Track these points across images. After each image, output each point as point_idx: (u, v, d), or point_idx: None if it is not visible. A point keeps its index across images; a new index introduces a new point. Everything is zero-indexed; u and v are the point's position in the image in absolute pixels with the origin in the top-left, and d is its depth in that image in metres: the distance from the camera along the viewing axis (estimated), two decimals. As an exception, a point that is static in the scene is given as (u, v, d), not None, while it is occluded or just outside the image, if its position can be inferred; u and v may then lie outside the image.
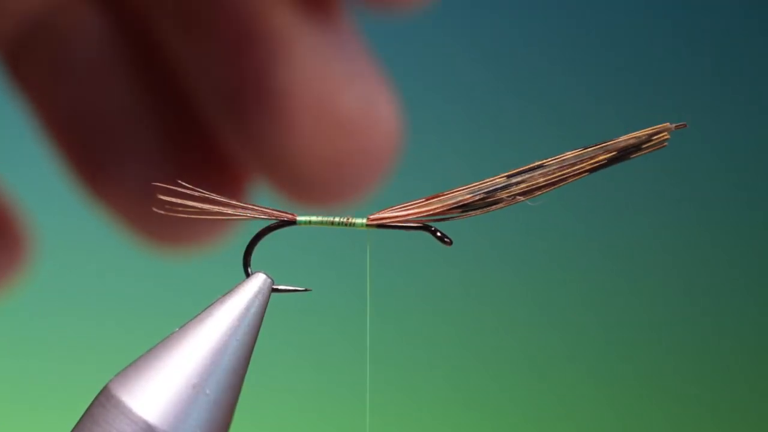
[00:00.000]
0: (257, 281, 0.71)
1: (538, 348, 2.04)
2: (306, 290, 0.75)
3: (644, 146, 0.71)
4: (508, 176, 0.70)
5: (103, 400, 0.67)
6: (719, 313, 2.09)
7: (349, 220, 0.72)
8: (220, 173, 0.77)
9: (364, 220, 0.72)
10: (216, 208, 0.72)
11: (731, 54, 2.09)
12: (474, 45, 2.04)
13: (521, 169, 0.70)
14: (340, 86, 0.72)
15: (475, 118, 2.05)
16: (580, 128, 2.07)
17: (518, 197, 0.70)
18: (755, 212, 2.09)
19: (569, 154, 0.70)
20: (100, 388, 0.68)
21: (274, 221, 0.73)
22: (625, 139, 0.71)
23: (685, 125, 0.72)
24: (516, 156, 2.05)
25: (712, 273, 2.09)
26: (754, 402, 2.07)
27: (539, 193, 0.69)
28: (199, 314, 0.69)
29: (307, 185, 0.73)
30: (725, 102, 2.09)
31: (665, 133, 0.71)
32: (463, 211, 0.71)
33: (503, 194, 0.70)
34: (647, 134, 0.70)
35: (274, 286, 0.71)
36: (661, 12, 2.09)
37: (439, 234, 0.72)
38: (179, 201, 0.72)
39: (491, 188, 0.70)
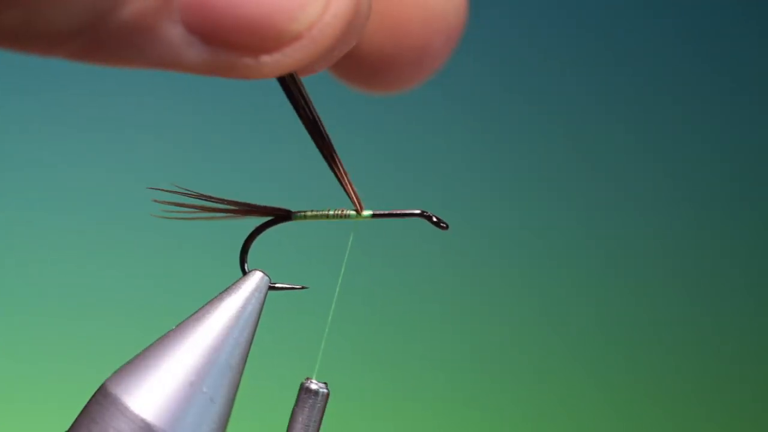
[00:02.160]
0: (254, 279, 0.71)
1: (537, 346, 2.04)
2: (303, 288, 0.75)
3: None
4: None
5: (101, 398, 0.67)
6: (720, 312, 2.09)
7: (344, 212, 0.72)
8: None
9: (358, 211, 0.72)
10: (211, 208, 0.72)
11: (731, 53, 2.09)
12: (472, 41, 2.04)
13: None
14: None
15: (471, 114, 2.05)
16: (578, 128, 2.07)
17: None
18: (755, 212, 2.09)
19: None
20: (98, 386, 0.68)
21: (270, 218, 0.73)
22: None
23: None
24: (514, 154, 2.06)
25: (712, 272, 2.09)
26: (754, 401, 2.07)
27: None
28: (196, 312, 0.69)
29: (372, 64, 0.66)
30: (725, 100, 2.09)
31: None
32: None
33: None
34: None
35: (271, 284, 0.71)
36: (661, 11, 2.09)
37: (434, 219, 0.72)
38: (175, 203, 0.72)
39: None
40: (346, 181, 0.69)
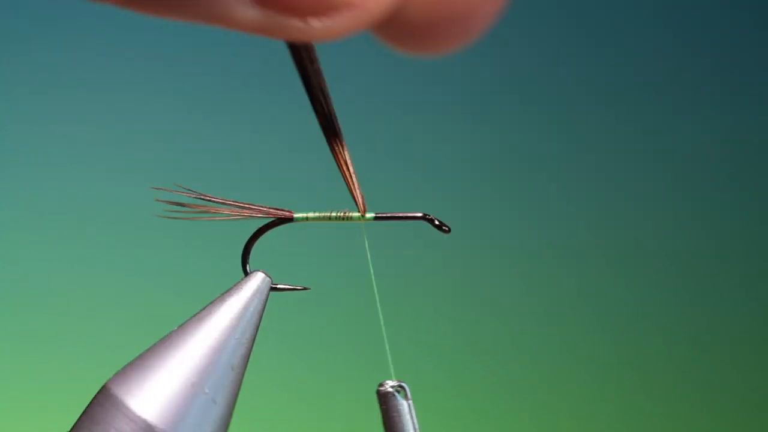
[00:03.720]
0: (256, 280, 0.71)
1: (541, 346, 2.04)
2: (305, 289, 0.75)
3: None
4: None
5: (102, 399, 0.67)
6: (721, 311, 2.08)
7: (347, 214, 0.72)
8: None
9: (361, 214, 0.72)
10: (213, 209, 0.72)
11: (730, 50, 2.09)
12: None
13: None
14: None
15: (473, 115, 2.05)
16: (576, 128, 2.07)
17: None
18: (755, 211, 2.09)
19: None
20: (99, 386, 0.68)
21: (272, 219, 0.73)
22: None
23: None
24: (513, 153, 2.06)
25: (714, 271, 2.09)
26: (756, 401, 2.07)
27: None
28: (199, 313, 0.69)
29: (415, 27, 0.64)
30: (725, 98, 2.09)
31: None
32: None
33: None
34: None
35: (273, 285, 0.71)
36: (660, 9, 2.09)
37: (437, 222, 0.72)
38: (178, 203, 0.72)
39: None
40: (353, 181, 0.69)
